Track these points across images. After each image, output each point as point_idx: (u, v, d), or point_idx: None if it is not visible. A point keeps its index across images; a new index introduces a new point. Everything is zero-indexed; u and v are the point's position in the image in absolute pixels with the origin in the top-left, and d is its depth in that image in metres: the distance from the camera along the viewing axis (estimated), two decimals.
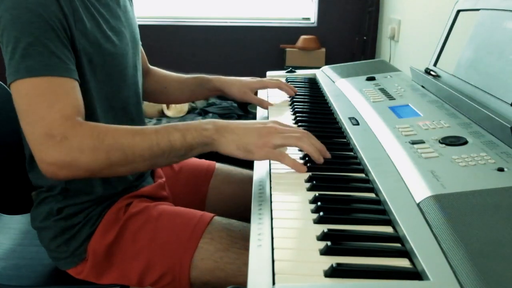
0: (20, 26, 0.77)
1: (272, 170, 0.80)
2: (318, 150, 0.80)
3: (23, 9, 0.77)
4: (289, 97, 1.22)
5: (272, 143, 0.77)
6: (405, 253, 0.56)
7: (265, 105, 1.16)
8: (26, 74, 0.76)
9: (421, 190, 0.65)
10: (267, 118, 1.10)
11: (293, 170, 0.79)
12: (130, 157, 0.77)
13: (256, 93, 1.25)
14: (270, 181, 0.76)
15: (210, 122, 0.80)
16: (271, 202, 0.69)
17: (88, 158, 0.75)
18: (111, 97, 0.93)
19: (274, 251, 0.57)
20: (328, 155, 0.82)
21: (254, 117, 1.16)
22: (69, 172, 0.76)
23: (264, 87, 1.21)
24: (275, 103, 1.19)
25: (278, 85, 1.20)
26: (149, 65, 1.24)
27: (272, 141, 0.77)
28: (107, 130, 0.78)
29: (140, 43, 1.07)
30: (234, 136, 0.78)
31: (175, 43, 2.77)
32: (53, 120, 0.75)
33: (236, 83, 1.18)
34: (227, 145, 0.78)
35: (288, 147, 0.85)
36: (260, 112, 1.18)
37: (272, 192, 0.72)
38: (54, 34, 0.78)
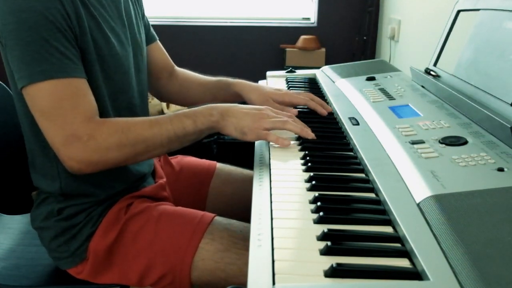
0: (29, 29, 0.77)
1: (272, 170, 0.80)
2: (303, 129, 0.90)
3: (29, 11, 0.77)
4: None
5: (263, 127, 0.87)
6: (405, 253, 0.56)
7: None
8: (43, 77, 0.78)
9: (421, 190, 0.65)
10: None
11: (293, 171, 0.79)
12: (151, 147, 0.84)
13: None
14: (270, 181, 0.76)
15: (214, 108, 0.88)
16: (271, 201, 0.69)
17: (116, 154, 0.82)
18: (114, 98, 0.93)
19: (274, 251, 0.57)
20: (312, 135, 0.91)
21: None
22: (96, 167, 0.82)
23: (289, 102, 1.08)
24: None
25: (306, 103, 1.07)
26: (174, 66, 1.22)
27: (263, 125, 0.87)
28: (129, 125, 0.83)
29: (144, 44, 1.06)
30: (233, 119, 0.87)
31: (174, 43, 2.77)
32: (78, 122, 0.79)
33: (256, 91, 1.09)
34: (228, 127, 0.87)
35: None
36: None
37: (272, 192, 0.72)
38: (61, 35, 0.79)
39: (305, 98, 1.09)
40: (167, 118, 0.86)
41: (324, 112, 1.07)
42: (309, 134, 0.90)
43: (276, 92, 1.09)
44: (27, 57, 0.77)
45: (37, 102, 0.80)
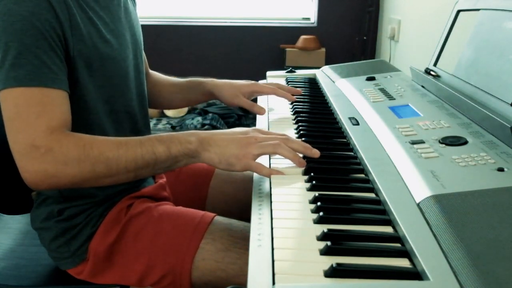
0: (12, 33, 0.76)
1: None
2: (301, 151, 0.81)
3: (16, 16, 0.76)
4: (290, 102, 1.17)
5: (252, 154, 0.78)
6: (405, 253, 0.56)
7: (256, 110, 1.08)
8: (15, 83, 0.76)
9: (421, 190, 0.65)
10: (268, 118, 1.09)
11: (293, 171, 0.79)
12: (114, 169, 0.78)
13: (255, 99, 1.19)
14: (270, 181, 0.76)
15: (193, 134, 0.81)
16: (271, 202, 0.69)
17: (73, 170, 0.76)
18: (112, 101, 0.92)
19: (274, 251, 0.57)
20: (315, 153, 0.82)
21: (255, 117, 1.14)
22: (52, 183, 0.77)
23: (258, 91, 1.14)
24: (275, 103, 1.19)
25: (274, 91, 1.13)
26: (149, 69, 1.23)
27: (252, 151, 0.78)
28: (93, 142, 0.78)
29: (142, 45, 1.07)
30: (216, 148, 0.79)
31: (175, 43, 2.77)
32: (39, 131, 0.75)
33: (227, 86, 1.12)
34: (210, 158, 0.80)
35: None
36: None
37: (272, 192, 0.72)
38: (46, 43, 0.78)
39: (272, 87, 1.14)
40: (138, 141, 0.80)
41: (292, 98, 1.13)
42: (301, 163, 0.80)
43: (245, 84, 1.13)
44: (5, 62, 0.76)
45: (5, 108, 0.77)
